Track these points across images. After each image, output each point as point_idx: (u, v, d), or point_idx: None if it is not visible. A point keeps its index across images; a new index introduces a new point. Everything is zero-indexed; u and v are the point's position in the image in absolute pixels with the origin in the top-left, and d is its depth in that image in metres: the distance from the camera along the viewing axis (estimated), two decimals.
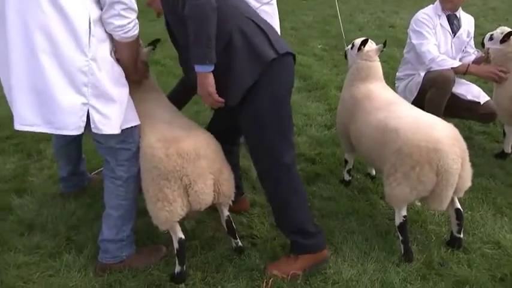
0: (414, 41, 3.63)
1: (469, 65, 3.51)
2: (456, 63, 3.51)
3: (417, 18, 3.65)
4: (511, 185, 3.17)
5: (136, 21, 2.10)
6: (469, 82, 3.78)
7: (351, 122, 2.84)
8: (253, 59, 2.15)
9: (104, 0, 1.98)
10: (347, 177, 3.19)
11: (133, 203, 2.39)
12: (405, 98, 3.78)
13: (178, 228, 2.27)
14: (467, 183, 2.48)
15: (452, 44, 3.67)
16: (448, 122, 2.62)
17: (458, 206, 2.52)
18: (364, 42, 2.87)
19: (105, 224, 2.37)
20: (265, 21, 2.33)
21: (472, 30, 3.74)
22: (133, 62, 2.27)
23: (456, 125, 4.00)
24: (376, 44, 2.95)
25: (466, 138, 3.82)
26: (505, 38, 3.27)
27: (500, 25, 3.60)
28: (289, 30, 7.09)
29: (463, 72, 3.52)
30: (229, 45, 2.12)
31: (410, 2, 8.94)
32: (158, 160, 2.14)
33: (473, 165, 3.38)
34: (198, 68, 2.09)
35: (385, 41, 2.95)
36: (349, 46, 3.06)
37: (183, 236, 2.27)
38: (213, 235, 2.66)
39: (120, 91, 2.17)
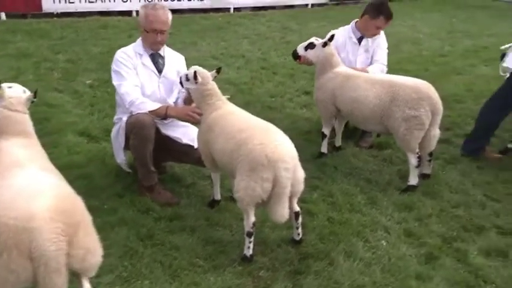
0: (114, 83, 3.23)
1: (167, 107, 3.21)
2: (155, 106, 3.18)
3: (116, 57, 3.26)
4: None
5: None
6: (188, 124, 3.49)
7: None
8: None
9: None
10: None
11: None
12: (116, 148, 3.40)
13: None
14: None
15: (160, 84, 3.36)
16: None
17: None
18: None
19: None
20: None
21: (182, 69, 3.45)
22: None
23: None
24: None
25: None
26: (195, 79, 2.99)
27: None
28: (61, 63, 6.38)
29: (163, 115, 3.20)
30: None
31: (213, 33, 8.94)
32: None
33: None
34: None
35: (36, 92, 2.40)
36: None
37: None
38: None
39: None
